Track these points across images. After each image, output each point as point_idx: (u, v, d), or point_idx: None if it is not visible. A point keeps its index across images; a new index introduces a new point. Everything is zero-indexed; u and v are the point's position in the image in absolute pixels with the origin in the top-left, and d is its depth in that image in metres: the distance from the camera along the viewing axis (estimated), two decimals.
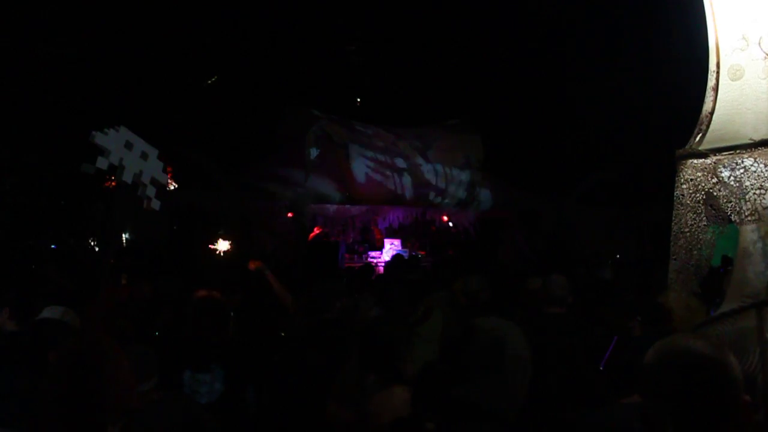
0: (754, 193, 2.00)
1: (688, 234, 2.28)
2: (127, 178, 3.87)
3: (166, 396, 3.35)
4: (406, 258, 11.10)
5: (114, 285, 6.88)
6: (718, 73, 2.25)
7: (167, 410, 3.23)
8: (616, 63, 15.39)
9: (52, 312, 4.24)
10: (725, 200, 2.16)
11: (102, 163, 3.71)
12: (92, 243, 14.85)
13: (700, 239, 2.26)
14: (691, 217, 2.25)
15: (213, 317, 4.18)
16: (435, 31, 18.49)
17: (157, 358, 3.30)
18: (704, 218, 2.23)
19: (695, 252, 2.28)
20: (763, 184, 2.00)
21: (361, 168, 13.20)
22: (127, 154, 3.86)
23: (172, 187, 15.60)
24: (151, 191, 4.06)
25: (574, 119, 17.14)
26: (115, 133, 3.81)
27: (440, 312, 5.17)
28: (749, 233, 2.08)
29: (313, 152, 12.91)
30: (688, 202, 2.26)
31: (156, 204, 4.09)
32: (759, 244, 2.03)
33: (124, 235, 14.45)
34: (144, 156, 4.04)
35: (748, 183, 2.04)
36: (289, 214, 13.43)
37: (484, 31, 18.01)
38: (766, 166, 2.00)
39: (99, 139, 3.70)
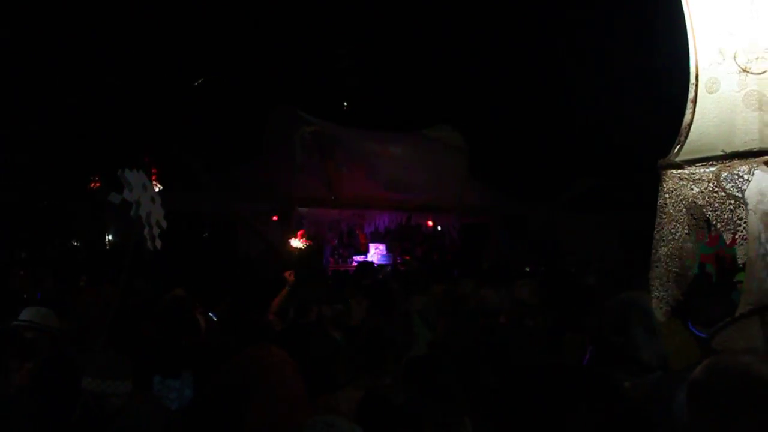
0: (729, 204, 2.05)
1: (670, 242, 2.31)
2: (142, 213, 4.22)
3: (147, 401, 3.36)
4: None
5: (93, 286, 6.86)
6: (696, 85, 2.29)
7: (149, 415, 3.24)
8: (605, 70, 15.50)
9: (32, 313, 4.25)
10: (704, 210, 2.19)
11: (128, 195, 4.11)
12: (75, 243, 14.76)
13: (682, 248, 2.29)
14: (673, 226, 2.28)
15: (180, 320, 4.20)
16: (423, 35, 18.55)
17: (130, 362, 3.30)
18: (686, 227, 2.26)
19: (676, 260, 2.31)
20: (735, 195, 2.04)
21: (347, 173, 13.21)
22: (143, 194, 4.27)
23: (157, 189, 15.53)
24: (156, 231, 4.40)
25: (561, 125, 17.24)
26: (137, 173, 4.24)
27: (419, 317, 5.17)
28: (752, 243, 2.10)
29: (300, 155, 12.90)
30: (671, 210, 2.29)
31: (158, 243, 4.42)
32: (761, 251, 2.04)
33: (107, 237, 14.37)
34: (153, 200, 4.42)
35: (722, 194, 2.09)
36: (275, 217, 13.42)
37: (472, 37, 18.08)
38: (737, 177, 2.05)
39: (127, 174, 4.18)
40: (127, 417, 3.15)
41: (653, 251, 2.38)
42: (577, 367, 2.76)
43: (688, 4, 2.32)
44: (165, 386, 3.86)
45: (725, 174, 2.06)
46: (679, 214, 2.26)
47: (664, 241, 2.32)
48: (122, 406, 3.17)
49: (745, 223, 2.03)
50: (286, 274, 6.02)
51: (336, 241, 14.60)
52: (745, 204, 2.00)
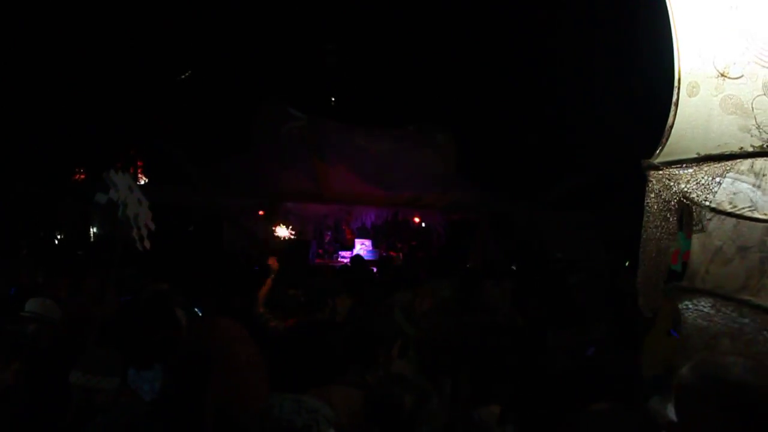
0: (701, 205, 2.11)
1: (654, 241, 2.35)
2: (130, 214, 4.29)
3: (134, 397, 3.38)
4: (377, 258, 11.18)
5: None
6: (679, 88, 2.33)
7: (133, 412, 3.25)
8: (592, 69, 15.58)
9: (36, 304, 4.31)
10: (682, 210, 2.25)
11: (114, 195, 4.19)
12: (59, 236, 14.65)
13: (667, 246, 2.34)
14: (659, 225, 2.33)
15: (157, 315, 4.26)
16: (411, 32, 18.56)
17: (119, 360, 3.32)
18: (670, 226, 2.31)
19: (661, 258, 2.36)
20: (707, 196, 2.09)
21: (334, 168, 13.22)
22: (129, 196, 4.38)
23: (143, 182, 15.46)
24: (144, 232, 4.48)
25: (548, 123, 17.32)
26: (123, 175, 4.33)
27: (400, 312, 5.16)
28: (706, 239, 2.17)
29: (287, 150, 12.91)
30: (655, 209, 2.34)
31: (147, 243, 4.49)
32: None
33: (91, 230, 14.30)
34: (140, 202, 4.50)
35: (694, 195, 2.14)
36: (261, 212, 13.41)
37: (459, 35, 18.12)
38: (711, 179, 2.10)
39: (113, 176, 4.30)
40: (110, 413, 3.15)
41: (641, 249, 2.43)
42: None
43: (671, 7, 2.36)
44: (139, 377, 3.92)
45: (701, 175, 2.11)
46: (664, 213, 2.31)
47: (649, 240, 2.36)
48: (109, 402, 3.17)
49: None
50: (270, 261, 5.83)
51: (329, 236, 14.61)
52: (714, 207, 2.08)
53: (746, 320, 2.07)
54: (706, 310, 2.20)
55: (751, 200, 2.07)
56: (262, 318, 5.01)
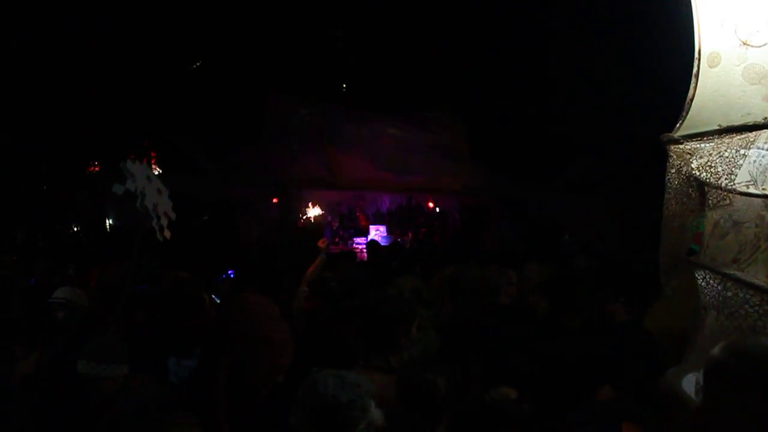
0: (725, 178, 2.05)
1: (677, 218, 2.32)
2: (148, 204, 4.25)
3: (145, 383, 3.38)
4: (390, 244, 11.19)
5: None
6: (699, 60, 2.27)
7: (147, 398, 3.25)
8: (606, 48, 15.38)
9: (66, 292, 4.37)
10: (705, 185, 2.20)
11: (131, 185, 4.14)
12: (75, 228, 14.76)
13: (689, 224, 2.30)
14: (680, 201, 2.30)
15: (186, 302, 4.26)
16: (421, 17, 18.43)
17: (125, 347, 3.32)
18: (692, 203, 2.28)
19: (684, 236, 2.32)
20: (732, 169, 2.04)
21: (347, 154, 13.23)
22: (148, 185, 4.34)
23: (157, 173, 15.48)
24: (164, 222, 4.44)
25: (561, 106, 17.15)
26: (140, 165, 4.37)
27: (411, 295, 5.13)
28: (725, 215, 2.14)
29: (299, 138, 12.92)
30: (676, 185, 2.30)
31: (168, 234, 4.46)
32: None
33: (107, 221, 14.39)
34: (159, 192, 4.45)
35: (719, 168, 2.09)
36: (275, 200, 13.44)
37: (469, 17, 17.97)
38: (736, 151, 2.05)
39: (129, 166, 4.24)
40: (124, 401, 3.15)
41: (662, 228, 2.38)
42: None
43: None
44: (181, 367, 3.90)
45: (724, 148, 2.06)
46: (685, 189, 2.27)
47: (671, 217, 2.33)
48: (119, 390, 3.17)
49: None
50: (320, 242, 5.70)
51: (337, 224, 14.62)
52: (713, 183, 2.04)
53: (729, 294, 2.05)
54: (699, 282, 2.19)
55: (750, 175, 2.03)
56: (301, 295, 5.02)
